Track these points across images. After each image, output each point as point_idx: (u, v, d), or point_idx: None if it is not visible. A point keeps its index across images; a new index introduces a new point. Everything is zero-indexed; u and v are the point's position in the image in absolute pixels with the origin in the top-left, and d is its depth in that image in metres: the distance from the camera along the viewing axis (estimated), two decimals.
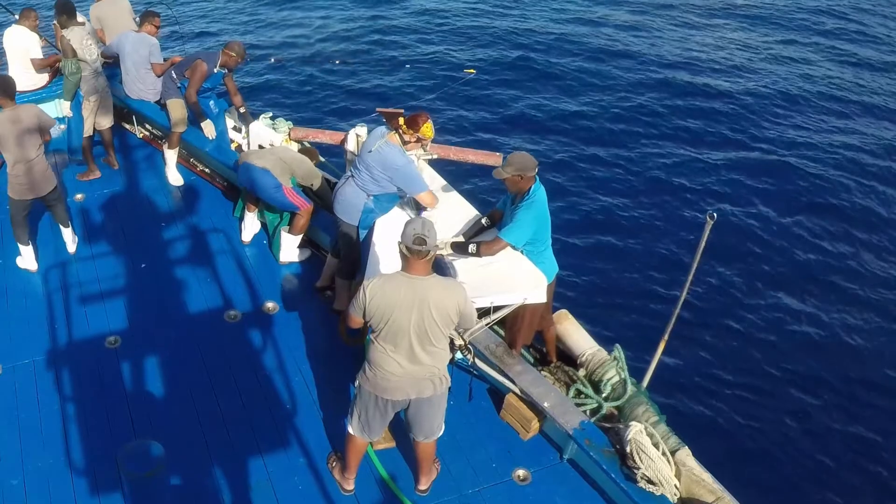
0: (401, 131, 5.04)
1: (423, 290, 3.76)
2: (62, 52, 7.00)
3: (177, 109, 7.11)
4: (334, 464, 4.59)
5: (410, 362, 3.89)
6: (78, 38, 6.81)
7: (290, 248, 6.30)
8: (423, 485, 4.51)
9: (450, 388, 4.15)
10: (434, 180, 5.78)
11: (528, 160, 4.75)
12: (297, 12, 15.66)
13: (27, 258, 6.17)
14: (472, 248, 4.80)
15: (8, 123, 5.56)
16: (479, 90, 12.55)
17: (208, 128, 7.28)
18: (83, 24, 7.06)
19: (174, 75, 7.08)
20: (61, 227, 6.30)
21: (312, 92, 12.54)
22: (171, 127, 7.19)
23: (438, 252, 4.77)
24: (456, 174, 6.54)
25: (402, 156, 5.06)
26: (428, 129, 5.04)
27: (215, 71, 6.91)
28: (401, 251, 3.79)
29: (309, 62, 13.41)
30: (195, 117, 7.20)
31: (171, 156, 7.33)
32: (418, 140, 5.09)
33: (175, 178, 7.37)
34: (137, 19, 7.76)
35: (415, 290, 3.75)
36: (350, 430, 4.26)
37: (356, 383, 4.12)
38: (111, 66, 7.75)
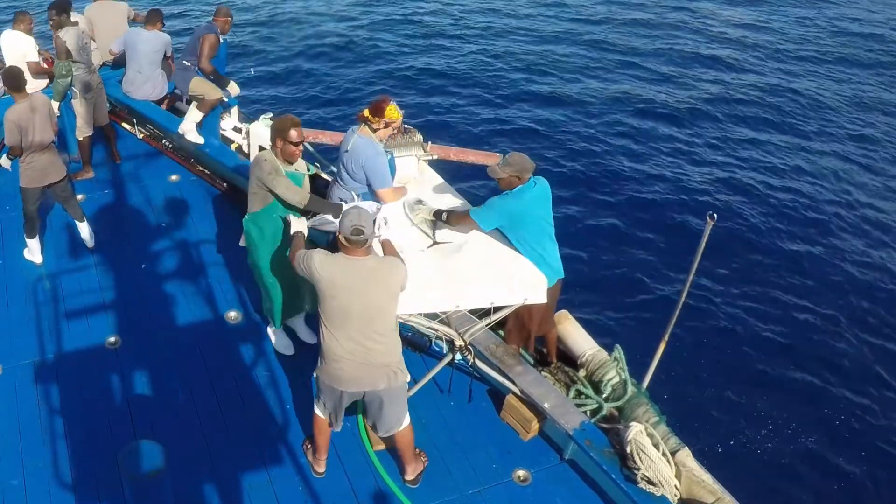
0: (368, 121, 5.00)
1: (367, 270, 3.88)
2: (56, 53, 6.98)
3: (202, 84, 7.17)
4: (308, 446, 4.66)
5: (357, 346, 3.93)
6: (74, 38, 6.77)
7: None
8: (410, 475, 4.52)
9: (450, 390, 4.16)
10: (434, 180, 5.78)
11: (526, 162, 4.75)
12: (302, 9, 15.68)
13: (33, 251, 6.21)
14: (444, 215, 4.86)
15: (28, 112, 5.70)
16: (479, 89, 12.56)
17: (234, 88, 7.37)
18: (76, 23, 7.03)
19: (186, 62, 7.11)
20: (77, 222, 6.33)
21: (313, 92, 12.55)
22: (205, 97, 7.18)
23: (424, 216, 4.88)
24: (456, 174, 6.54)
25: (370, 147, 4.98)
26: (392, 111, 4.95)
27: (221, 40, 6.96)
28: (340, 241, 3.90)
29: (310, 62, 13.42)
30: (218, 83, 7.21)
31: (196, 115, 7.25)
32: (387, 125, 5.00)
33: (193, 134, 7.25)
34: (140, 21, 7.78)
35: (358, 272, 3.86)
36: (317, 410, 4.33)
37: (314, 374, 4.18)
38: (110, 65, 7.77)
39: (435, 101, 12.18)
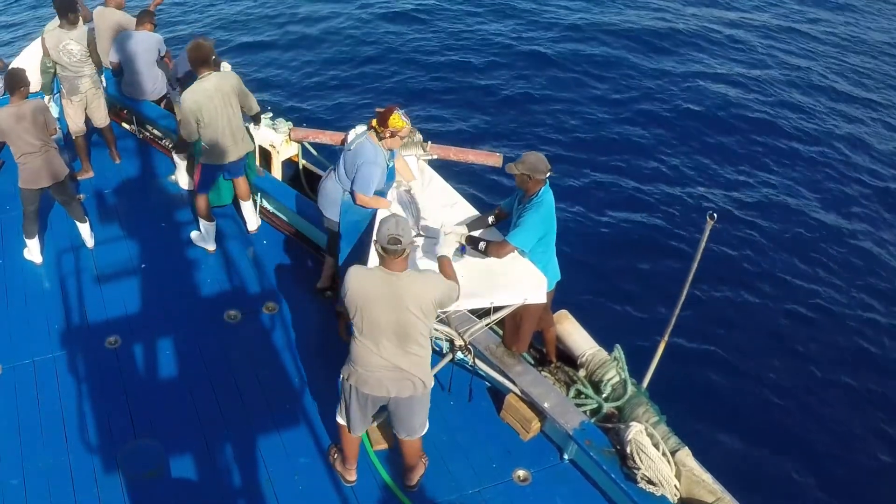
0: (375, 130, 5.04)
1: (401, 287, 3.82)
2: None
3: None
4: (335, 456, 4.63)
5: (390, 361, 3.94)
6: (53, 40, 6.77)
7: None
8: (411, 480, 4.53)
9: (450, 389, 4.16)
10: (433, 180, 5.78)
11: (540, 163, 4.73)
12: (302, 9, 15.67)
13: (33, 251, 6.22)
14: (481, 245, 4.77)
15: (12, 120, 5.69)
16: (483, 90, 12.56)
17: None
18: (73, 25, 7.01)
19: (177, 76, 7.06)
20: (78, 223, 6.34)
21: (313, 92, 12.54)
22: (179, 131, 7.11)
23: (455, 240, 4.76)
24: (456, 174, 6.54)
25: (370, 153, 5.01)
26: (396, 120, 4.97)
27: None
28: (377, 251, 3.86)
29: (310, 61, 13.42)
30: None
31: (181, 160, 7.18)
32: (392, 134, 5.02)
33: (186, 182, 7.21)
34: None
35: (392, 287, 3.81)
36: (338, 418, 4.34)
37: (341, 377, 4.16)
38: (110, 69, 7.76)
39: (435, 101, 12.17)
